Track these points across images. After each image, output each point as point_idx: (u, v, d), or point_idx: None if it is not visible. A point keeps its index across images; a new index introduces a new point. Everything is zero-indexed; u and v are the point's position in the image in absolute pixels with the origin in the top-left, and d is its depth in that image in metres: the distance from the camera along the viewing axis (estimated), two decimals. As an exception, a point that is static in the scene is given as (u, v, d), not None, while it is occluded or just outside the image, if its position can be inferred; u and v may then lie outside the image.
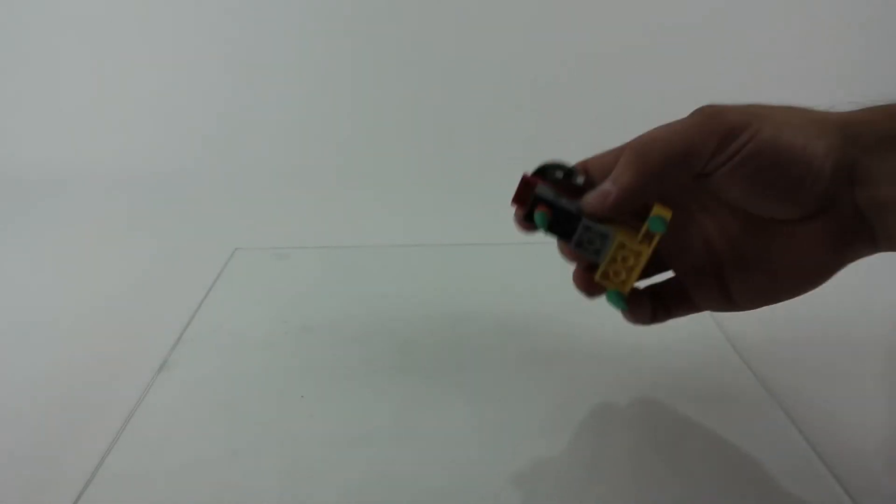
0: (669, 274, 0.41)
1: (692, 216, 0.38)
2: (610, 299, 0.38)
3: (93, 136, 0.97)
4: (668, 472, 0.39)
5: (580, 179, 0.37)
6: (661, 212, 0.35)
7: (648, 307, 0.38)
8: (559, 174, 0.37)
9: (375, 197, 0.87)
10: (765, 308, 0.38)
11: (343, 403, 0.45)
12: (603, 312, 0.55)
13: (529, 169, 0.38)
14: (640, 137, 0.34)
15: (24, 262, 0.71)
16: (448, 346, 0.52)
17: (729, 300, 0.38)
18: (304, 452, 0.40)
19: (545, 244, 0.52)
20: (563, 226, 0.37)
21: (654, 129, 0.34)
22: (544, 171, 0.38)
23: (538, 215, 0.37)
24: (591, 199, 0.35)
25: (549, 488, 0.38)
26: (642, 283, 0.39)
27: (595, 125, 0.74)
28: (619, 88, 0.95)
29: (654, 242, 0.35)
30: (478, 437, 0.43)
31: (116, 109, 0.99)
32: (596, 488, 0.38)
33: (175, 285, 0.63)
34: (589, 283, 0.38)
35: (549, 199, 0.37)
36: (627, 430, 0.43)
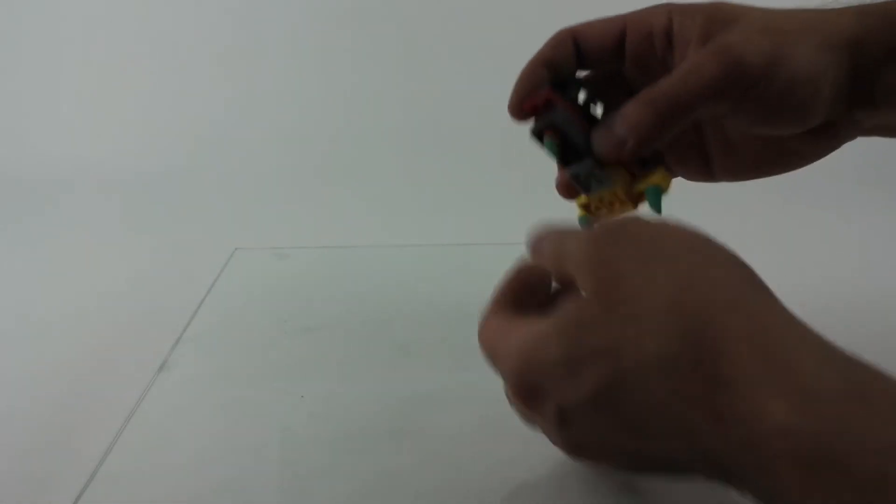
0: None
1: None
2: (581, 222, 0.38)
3: (92, 137, 0.97)
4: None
5: (598, 111, 0.36)
6: (661, 181, 0.35)
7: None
8: (581, 96, 0.36)
9: (375, 197, 0.87)
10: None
11: (343, 403, 0.45)
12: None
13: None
14: (658, 84, 0.32)
15: (24, 262, 0.71)
16: (448, 346, 0.52)
17: (707, 172, 0.38)
18: (304, 452, 0.40)
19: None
20: (566, 155, 0.36)
21: (670, 72, 0.32)
22: (565, 86, 0.36)
23: (548, 142, 0.36)
24: (604, 143, 0.34)
25: (550, 487, 0.38)
26: None
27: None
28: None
29: (643, 204, 0.35)
30: (478, 436, 0.43)
31: (116, 110, 0.99)
32: (596, 488, 0.38)
33: (175, 285, 0.63)
34: (569, 193, 0.38)
35: (563, 129, 0.35)
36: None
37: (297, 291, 0.61)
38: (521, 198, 0.82)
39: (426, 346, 0.52)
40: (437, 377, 0.49)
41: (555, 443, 0.31)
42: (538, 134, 0.36)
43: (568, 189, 0.38)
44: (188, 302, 0.58)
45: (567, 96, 0.35)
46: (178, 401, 0.46)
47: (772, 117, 0.32)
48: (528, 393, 0.28)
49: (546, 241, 0.33)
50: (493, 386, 0.48)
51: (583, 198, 0.37)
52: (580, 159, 0.35)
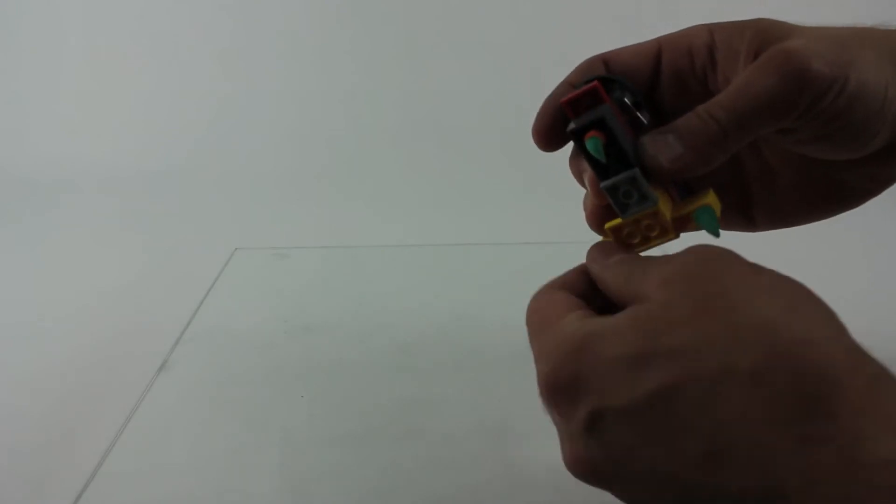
0: None
1: None
2: None
3: (93, 137, 0.97)
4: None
5: (646, 116, 0.31)
6: (712, 202, 0.30)
7: None
8: (627, 98, 0.31)
9: (375, 197, 0.87)
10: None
11: (343, 403, 0.45)
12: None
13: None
14: (715, 99, 0.28)
15: (24, 263, 0.71)
16: (448, 346, 0.52)
17: (748, 220, 0.34)
18: (303, 452, 0.40)
19: (546, 244, 0.52)
20: (608, 162, 0.30)
21: (732, 81, 0.29)
22: (610, 87, 0.31)
23: (592, 141, 0.29)
24: (657, 155, 0.29)
25: (550, 488, 0.38)
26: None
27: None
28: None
29: (687, 231, 0.30)
30: (477, 436, 0.43)
31: (116, 110, 0.99)
32: (596, 489, 0.38)
33: (175, 285, 0.63)
34: (600, 224, 0.32)
35: (612, 131, 0.29)
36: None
37: (297, 291, 0.61)
38: (521, 198, 0.82)
39: (426, 345, 0.52)
40: (436, 377, 0.49)
41: (568, 453, 0.26)
42: (578, 134, 0.30)
43: (597, 214, 0.32)
44: (188, 302, 0.58)
45: (612, 95, 0.31)
46: (178, 401, 0.46)
47: (834, 134, 0.29)
48: (565, 383, 0.24)
49: (617, 263, 0.28)
50: (493, 385, 0.48)
51: (614, 222, 0.31)
52: (620, 171, 0.29)
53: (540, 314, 0.28)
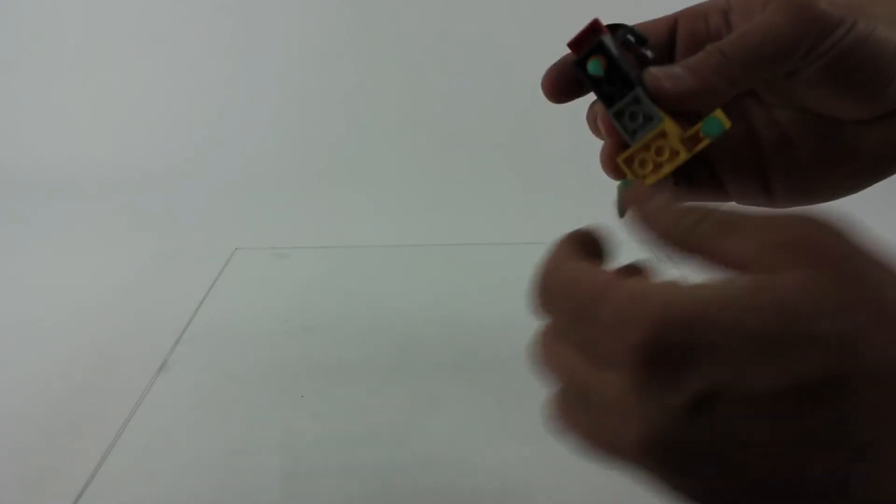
0: None
1: (738, 102, 0.33)
2: (620, 188, 0.32)
3: (93, 137, 0.97)
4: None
5: (650, 53, 0.33)
6: (721, 116, 0.30)
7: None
8: (630, 38, 0.33)
9: (375, 197, 0.87)
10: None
11: (343, 403, 0.45)
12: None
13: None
14: (733, 34, 0.29)
15: (24, 263, 0.71)
16: (448, 346, 0.52)
17: (768, 195, 0.34)
18: (304, 452, 0.40)
19: (545, 245, 0.52)
20: (612, 87, 0.32)
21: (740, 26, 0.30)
22: (614, 29, 0.33)
23: (593, 62, 0.32)
24: (659, 74, 0.30)
25: (549, 487, 0.38)
26: None
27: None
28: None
29: (697, 148, 0.31)
30: (477, 436, 0.43)
31: (116, 109, 0.99)
32: (596, 489, 0.38)
33: (175, 285, 0.63)
34: (615, 163, 0.32)
35: (611, 52, 0.32)
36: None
37: (297, 291, 0.61)
38: (521, 198, 0.82)
39: (426, 345, 0.52)
40: (436, 376, 0.49)
41: (646, 430, 0.21)
42: (582, 62, 0.32)
43: (611, 156, 0.32)
44: (188, 302, 0.58)
45: (617, 37, 0.32)
46: (178, 401, 0.46)
47: (842, 77, 0.29)
48: (674, 352, 0.20)
49: (680, 211, 0.25)
50: (493, 385, 0.48)
51: (625, 153, 0.32)
52: (623, 95, 0.31)
53: (584, 282, 0.23)
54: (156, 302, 0.61)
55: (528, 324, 0.55)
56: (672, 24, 0.33)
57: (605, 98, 0.32)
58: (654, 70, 0.31)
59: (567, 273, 0.24)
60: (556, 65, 0.33)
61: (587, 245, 0.27)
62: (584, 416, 0.24)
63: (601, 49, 0.31)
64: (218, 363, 0.50)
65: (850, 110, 0.30)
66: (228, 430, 0.43)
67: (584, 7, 1.01)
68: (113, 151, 0.96)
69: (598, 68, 0.32)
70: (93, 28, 1.00)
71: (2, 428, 0.44)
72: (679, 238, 0.24)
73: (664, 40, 0.33)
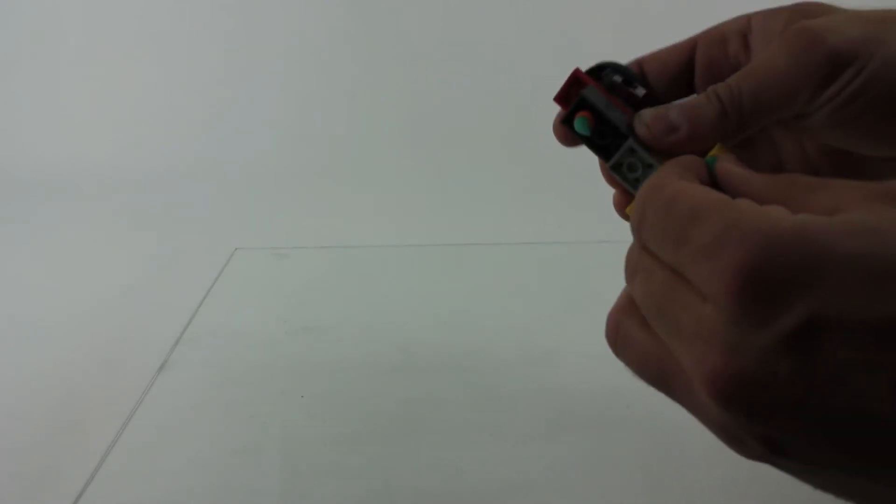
0: None
1: (764, 132, 0.31)
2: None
3: (93, 138, 0.97)
4: (669, 469, 0.39)
5: (640, 91, 0.31)
6: (719, 154, 0.29)
7: None
8: (617, 78, 0.32)
9: (375, 197, 0.87)
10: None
11: (343, 403, 0.45)
12: (603, 311, 0.55)
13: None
14: (734, 77, 0.27)
15: (25, 262, 0.70)
16: (448, 346, 0.52)
17: None
18: (303, 452, 0.40)
19: (545, 244, 0.52)
20: (606, 140, 0.30)
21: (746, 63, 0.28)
22: (600, 72, 0.32)
23: (579, 120, 0.31)
24: (650, 123, 0.28)
25: (549, 487, 0.38)
26: None
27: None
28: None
29: None
30: (477, 436, 0.43)
31: (116, 109, 0.99)
32: (596, 488, 0.38)
33: (175, 285, 0.63)
34: (625, 213, 0.31)
35: (596, 106, 0.31)
36: (629, 429, 0.43)
37: (297, 291, 0.61)
38: (521, 198, 0.82)
39: (425, 345, 0.52)
40: (436, 377, 0.49)
41: (735, 363, 0.19)
42: (569, 119, 0.31)
43: (620, 204, 0.31)
44: (188, 302, 0.58)
45: (603, 80, 0.32)
46: (178, 401, 0.46)
47: (855, 120, 0.27)
48: (779, 276, 0.18)
49: (767, 176, 0.23)
50: (493, 385, 0.48)
51: (631, 205, 0.30)
52: (618, 147, 0.30)
53: (683, 198, 0.21)
54: (156, 302, 0.61)
55: (527, 323, 0.55)
56: (691, 49, 0.31)
57: (600, 152, 0.31)
58: (644, 117, 0.29)
59: (667, 189, 0.22)
60: (559, 117, 0.31)
61: (697, 169, 0.24)
62: (651, 340, 0.22)
63: (585, 104, 0.30)
64: (218, 363, 0.50)
65: (873, 149, 0.28)
66: (228, 430, 0.43)
67: (584, 7, 1.01)
68: (113, 151, 0.96)
69: (585, 127, 0.30)
70: (93, 28, 1.00)
71: (2, 428, 0.44)
72: (778, 196, 0.21)
73: (681, 65, 0.31)
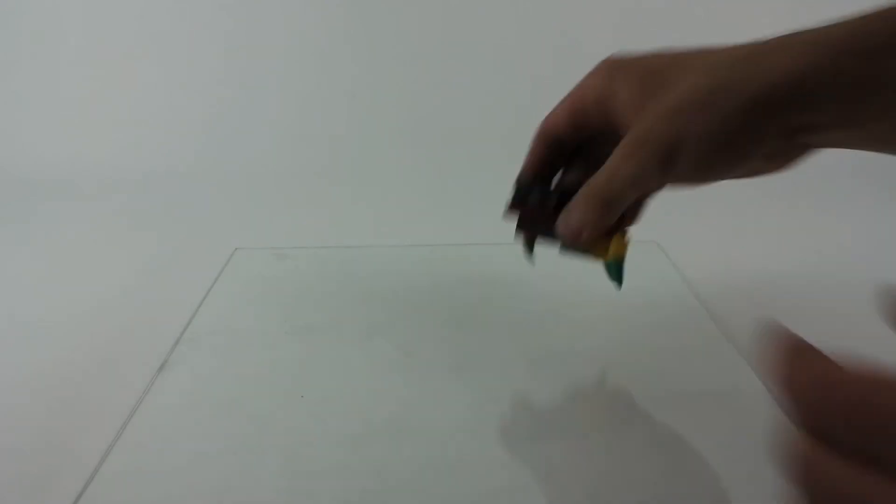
0: None
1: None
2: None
3: (92, 137, 0.97)
4: (669, 470, 0.39)
5: (553, 199, 0.42)
6: (616, 251, 0.42)
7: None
8: (534, 197, 0.43)
9: (376, 197, 0.87)
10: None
11: (343, 403, 0.45)
12: (603, 311, 0.55)
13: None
14: (593, 180, 0.38)
15: (24, 262, 0.71)
16: (448, 346, 0.52)
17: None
18: (304, 452, 0.40)
19: (545, 244, 0.52)
20: (550, 242, 0.43)
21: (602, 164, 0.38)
22: (523, 198, 0.43)
23: (525, 244, 0.45)
24: (564, 234, 0.41)
25: (549, 488, 0.38)
26: None
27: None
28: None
29: (622, 254, 0.42)
30: (478, 436, 0.43)
31: (116, 110, 0.99)
32: (596, 489, 0.38)
33: (175, 285, 0.63)
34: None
35: (531, 232, 0.44)
36: (629, 429, 0.43)
37: (297, 291, 0.61)
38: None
39: (426, 346, 0.52)
40: (436, 377, 0.49)
41: None
42: (529, 251, 0.45)
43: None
44: (188, 302, 0.58)
45: (528, 202, 0.43)
46: (178, 401, 0.46)
47: (700, 178, 0.36)
48: None
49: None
50: (493, 386, 0.48)
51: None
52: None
53: (853, 383, 0.19)
54: (156, 302, 0.61)
55: (527, 323, 0.55)
56: (571, 112, 0.41)
57: (551, 244, 0.43)
58: (561, 233, 0.41)
59: (828, 376, 0.20)
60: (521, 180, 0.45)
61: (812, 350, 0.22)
62: None
63: (523, 228, 0.44)
64: (218, 363, 0.50)
65: (729, 177, 0.37)
66: (228, 430, 0.43)
67: (584, 7, 1.01)
68: (113, 151, 0.96)
69: (524, 243, 0.45)
70: (93, 28, 1.00)
71: (1, 428, 0.44)
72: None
73: (571, 127, 0.42)
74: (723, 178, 0.37)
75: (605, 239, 0.41)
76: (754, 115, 0.32)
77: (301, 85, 1.00)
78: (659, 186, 0.37)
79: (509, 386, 0.48)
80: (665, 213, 0.83)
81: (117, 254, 0.72)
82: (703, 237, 0.73)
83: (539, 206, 0.43)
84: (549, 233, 0.42)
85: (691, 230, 0.74)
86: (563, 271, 0.52)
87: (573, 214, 0.39)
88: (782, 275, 0.65)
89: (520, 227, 0.44)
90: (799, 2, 0.96)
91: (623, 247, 0.42)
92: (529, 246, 0.45)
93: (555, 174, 0.44)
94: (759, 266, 0.68)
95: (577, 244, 0.41)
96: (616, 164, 0.37)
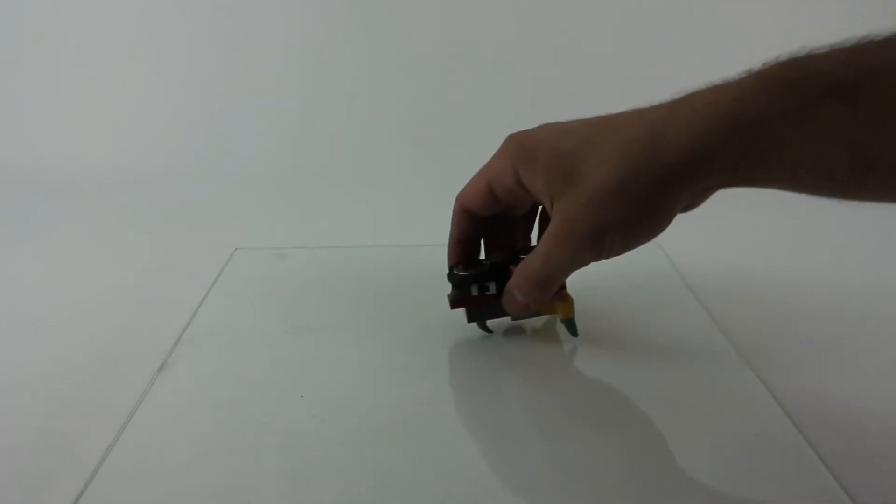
0: None
1: None
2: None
3: (92, 137, 0.97)
4: (669, 470, 0.39)
5: (490, 286, 0.48)
6: (563, 314, 0.49)
7: None
8: (474, 290, 0.49)
9: (375, 197, 0.87)
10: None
11: (343, 403, 0.45)
12: (602, 311, 0.55)
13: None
14: (528, 261, 0.44)
15: (24, 262, 0.71)
16: (448, 346, 0.52)
17: None
18: (304, 452, 0.40)
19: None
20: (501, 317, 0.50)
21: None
22: (465, 292, 0.49)
23: (479, 327, 0.52)
24: (513, 311, 0.48)
25: (550, 488, 0.38)
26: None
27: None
28: (615, 88, 0.95)
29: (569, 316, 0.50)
30: (477, 437, 0.43)
31: (116, 110, 0.99)
32: (596, 489, 0.38)
33: (175, 285, 0.63)
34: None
35: (481, 320, 0.51)
36: (629, 429, 0.43)
37: (297, 291, 0.61)
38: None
39: (426, 346, 0.52)
40: (436, 377, 0.49)
41: None
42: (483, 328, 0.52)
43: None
44: (188, 302, 0.58)
45: (469, 296, 0.49)
46: (178, 401, 0.46)
47: (629, 248, 0.41)
48: None
49: None
50: (493, 386, 0.48)
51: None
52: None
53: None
54: (156, 302, 0.61)
55: (527, 323, 0.55)
56: (488, 192, 0.47)
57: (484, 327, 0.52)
58: (510, 311, 0.48)
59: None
60: (451, 255, 0.52)
61: None
62: None
63: (472, 315, 0.51)
64: (218, 363, 0.50)
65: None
66: (228, 430, 0.43)
67: (584, 7, 1.01)
68: (113, 151, 0.96)
69: (487, 330, 0.52)
70: (93, 28, 1.00)
71: (2, 428, 0.44)
72: None
73: (490, 203, 0.48)
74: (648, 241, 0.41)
75: (551, 299, 0.47)
76: (666, 192, 0.37)
77: (301, 85, 1.00)
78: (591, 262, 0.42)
79: (509, 386, 0.48)
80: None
81: (117, 254, 0.72)
82: (703, 237, 0.73)
83: (480, 296, 0.49)
84: (500, 312, 0.49)
85: (691, 230, 0.74)
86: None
87: (517, 295, 0.45)
88: (782, 275, 0.65)
89: (471, 319, 0.50)
90: (799, 1, 0.96)
91: (569, 306, 0.49)
92: (483, 327, 0.51)
93: (477, 247, 0.51)
94: (759, 266, 0.68)
95: (528, 314, 0.49)
96: (548, 251, 0.41)
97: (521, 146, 0.43)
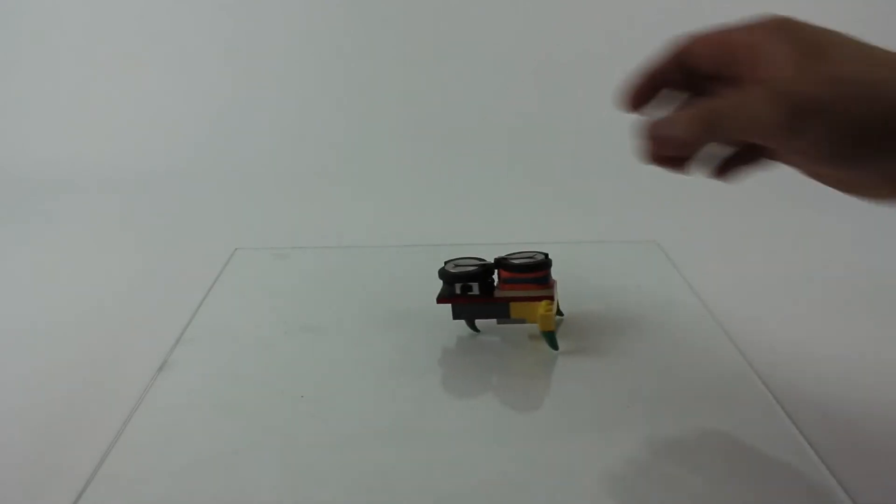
0: None
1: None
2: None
3: (93, 137, 0.97)
4: (669, 470, 0.39)
5: (474, 287, 0.49)
6: (546, 325, 0.49)
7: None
8: (458, 288, 0.49)
9: (375, 197, 0.87)
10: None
11: (343, 403, 0.45)
12: (602, 311, 0.55)
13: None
14: (718, 98, 0.35)
15: (24, 263, 0.71)
16: (448, 346, 0.52)
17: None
18: (304, 452, 0.40)
19: (545, 244, 0.52)
20: (487, 318, 0.51)
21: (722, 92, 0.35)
22: (450, 290, 0.50)
23: (467, 324, 0.52)
24: (653, 134, 0.36)
25: (550, 487, 0.38)
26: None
27: (593, 118, 0.74)
28: (614, 88, 0.95)
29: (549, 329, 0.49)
30: (478, 436, 0.43)
31: (116, 110, 0.99)
32: (596, 488, 0.38)
33: (175, 285, 0.63)
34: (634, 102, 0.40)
35: (468, 317, 0.52)
36: (629, 429, 0.43)
37: (297, 291, 0.61)
38: (521, 198, 0.82)
39: (426, 346, 0.52)
40: (436, 377, 0.49)
41: None
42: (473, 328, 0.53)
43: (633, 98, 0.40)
44: (188, 302, 0.58)
45: (454, 293, 0.50)
46: (178, 401, 0.46)
47: (808, 161, 0.35)
48: None
49: None
50: (493, 385, 0.48)
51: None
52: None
53: None
54: (156, 301, 0.61)
55: (528, 323, 0.55)
56: (723, 50, 0.37)
57: (473, 326, 0.53)
58: (651, 129, 0.36)
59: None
60: (636, 80, 0.39)
61: None
62: None
63: (461, 314, 0.51)
64: (218, 363, 0.50)
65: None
66: (228, 430, 0.43)
67: (584, 7, 1.01)
68: (113, 151, 0.96)
69: (475, 329, 0.52)
70: (93, 28, 1.00)
71: (2, 428, 0.44)
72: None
73: (716, 63, 0.37)
74: (823, 178, 0.36)
75: (535, 305, 0.48)
76: None
77: (301, 85, 1.00)
78: (761, 140, 0.34)
79: (509, 386, 0.48)
80: (665, 213, 0.83)
81: (117, 253, 0.72)
82: (703, 237, 0.73)
83: (464, 295, 0.49)
84: (482, 313, 0.50)
85: (691, 230, 0.74)
86: (562, 272, 0.52)
87: (673, 125, 0.36)
88: (782, 274, 0.65)
89: (456, 315, 0.51)
90: (799, 1, 0.96)
91: (549, 319, 0.48)
92: (471, 325, 0.52)
93: (652, 97, 0.40)
94: (759, 266, 0.68)
95: (654, 154, 0.38)
96: (745, 100, 0.34)
97: (782, 22, 0.36)
